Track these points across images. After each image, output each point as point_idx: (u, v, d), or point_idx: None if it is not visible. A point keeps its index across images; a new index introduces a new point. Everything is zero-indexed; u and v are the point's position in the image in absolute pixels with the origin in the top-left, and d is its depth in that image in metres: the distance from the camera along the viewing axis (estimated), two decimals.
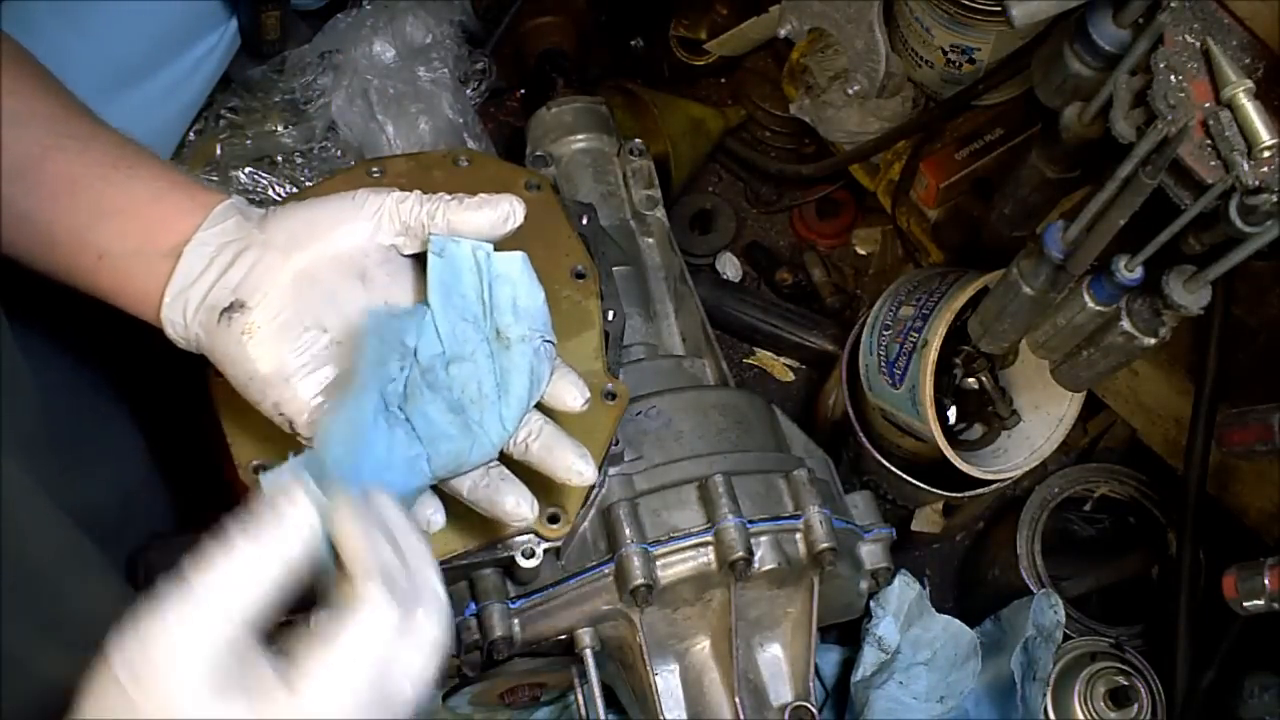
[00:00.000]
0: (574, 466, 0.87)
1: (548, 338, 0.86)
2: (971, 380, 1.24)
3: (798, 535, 1.04)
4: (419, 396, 0.80)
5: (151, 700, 0.57)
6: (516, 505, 0.85)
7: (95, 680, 0.58)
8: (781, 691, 1.07)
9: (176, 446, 1.05)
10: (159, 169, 0.86)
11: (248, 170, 1.37)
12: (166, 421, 1.05)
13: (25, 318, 0.82)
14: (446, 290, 0.83)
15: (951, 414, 1.29)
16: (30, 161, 0.82)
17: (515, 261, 0.87)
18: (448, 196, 0.85)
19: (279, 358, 0.81)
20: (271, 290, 0.81)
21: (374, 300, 0.84)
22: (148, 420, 1.04)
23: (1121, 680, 1.17)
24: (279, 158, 1.38)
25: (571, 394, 0.88)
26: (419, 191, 0.86)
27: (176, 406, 1.01)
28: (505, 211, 0.86)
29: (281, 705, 0.58)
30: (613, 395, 1.01)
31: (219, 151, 1.36)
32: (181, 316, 0.82)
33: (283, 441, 0.83)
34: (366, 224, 0.85)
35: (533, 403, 0.86)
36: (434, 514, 0.84)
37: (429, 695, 0.66)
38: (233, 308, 0.81)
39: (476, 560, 0.97)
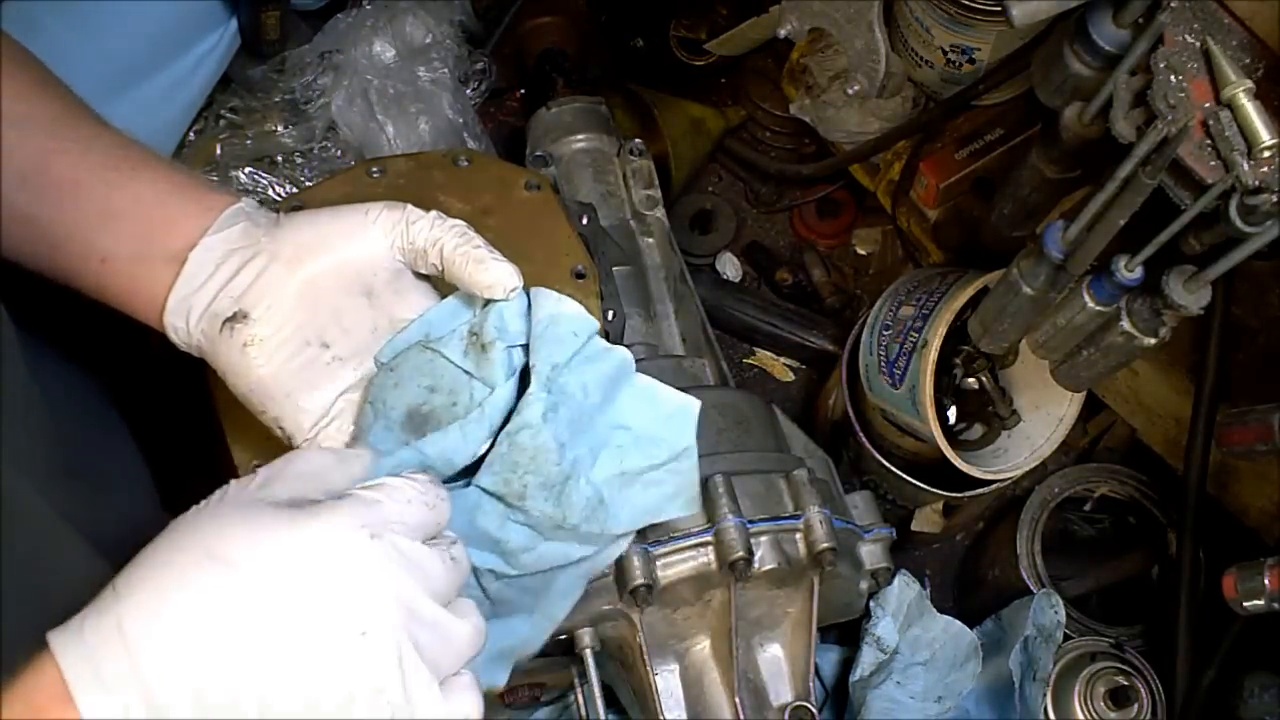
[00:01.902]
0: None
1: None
2: (971, 380, 1.24)
3: (798, 535, 1.04)
4: None
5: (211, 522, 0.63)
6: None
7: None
8: (781, 691, 1.07)
9: (179, 458, 1.04)
10: (164, 170, 0.85)
11: (248, 170, 1.37)
12: (170, 435, 1.04)
13: (30, 330, 0.82)
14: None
15: (951, 414, 1.29)
16: (32, 165, 0.81)
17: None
18: (461, 230, 0.84)
19: (280, 372, 0.80)
20: (275, 302, 0.81)
21: (378, 317, 0.84)
22: (151, 437, 1.03)
23: (1121, 680, 1.17)
24: (279, 158, 1.38)
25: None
26: (436, 213, 0.85)
27: (179, 416, 1.01)
28: (504, 285, 0.83)
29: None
30: None
31: (219, 151, 1.36)
32: (184, 323, 0.81)
33: (284, 445, 0.83)
34: (378, 240, 0.84)
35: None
36: None
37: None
38: (235, 318, 0.80)
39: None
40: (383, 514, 0.64)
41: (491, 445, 0.81)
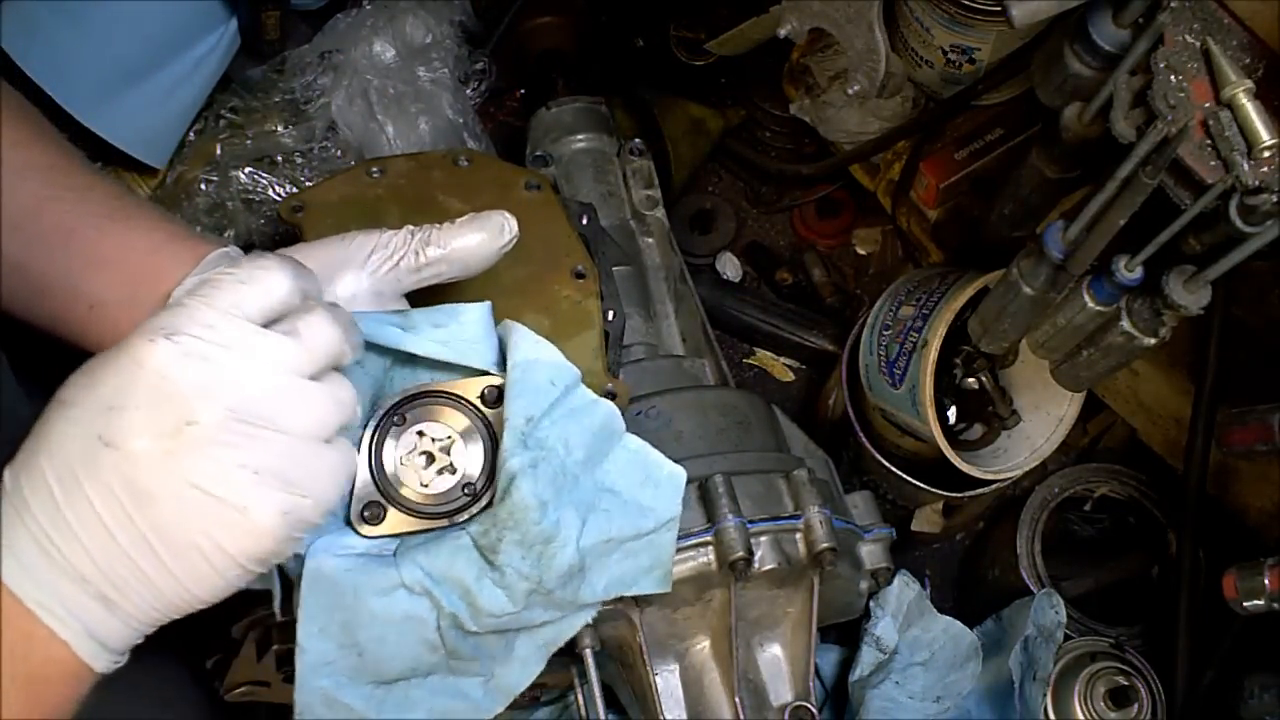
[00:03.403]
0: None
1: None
2: (971, 380, 1.24)
3: (798, 535, 1.04)
4: None
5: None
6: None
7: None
8: (781, 691, 1.07)
9: None
10: (156, 220, 0.86)
11: (248, 170, 1.36)
12: None
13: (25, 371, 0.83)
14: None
15: (951, 414, 1.29)
16: (26, 213, 0.82)
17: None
18: (436, 225, 0.85)
19: None
20: None
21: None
22: None
23: (1121, 680, 1.16)
24: (279, 158, 1.38)
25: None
26: (409, 226, 0.86)
27: None
28: (498, 225, 0.85)
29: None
30: (613, 395, 1.01)
31: (219, 151, 1.36)
32: None
33: None
34: (357, 272, 0.85)
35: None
36: None
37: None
38: None
39: None
40: (185, 317, 0.65)
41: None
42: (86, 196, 0.85)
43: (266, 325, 0.67)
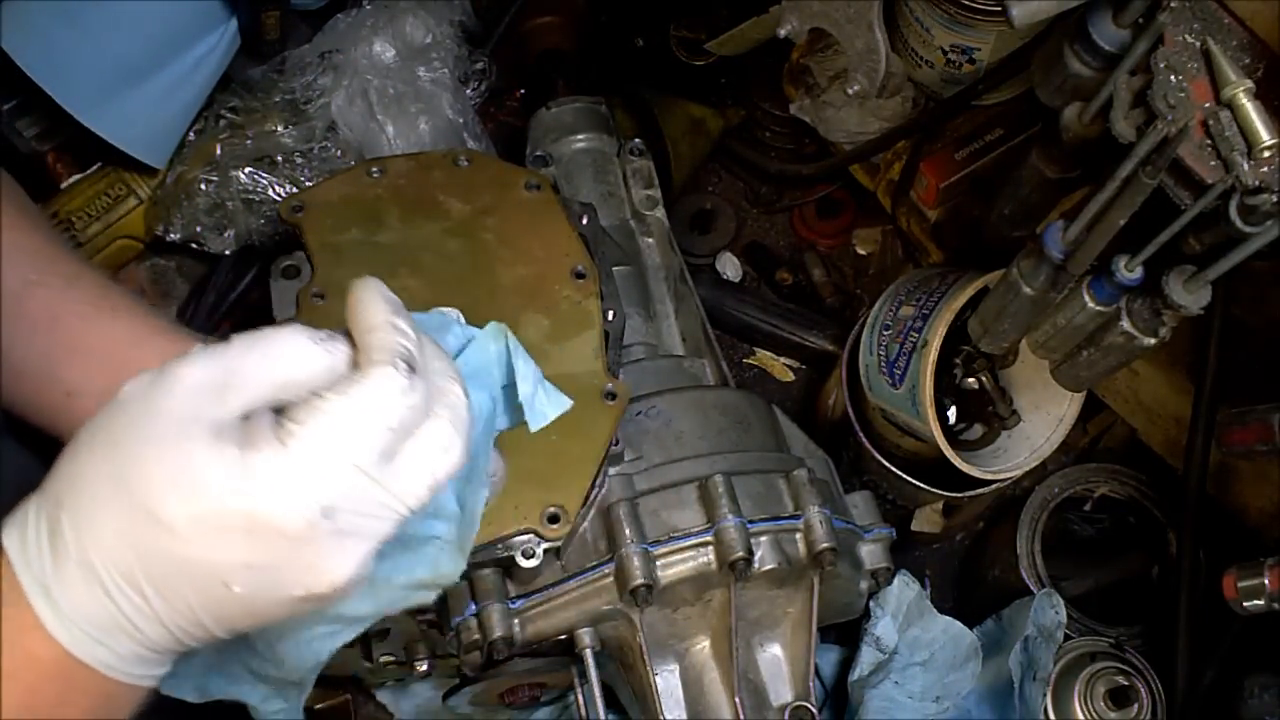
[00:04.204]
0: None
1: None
2: (971, 380, 1.24)
3: (798, 535, 1.04)
4: None
5: (149, 425, 0.58)
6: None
7: (108, 405, 0.59)
8: (781, 691, 1.07)
9: None
10: (140, 314, 0.86)
11: (248, 170, 1.36)
12: None
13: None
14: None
15: (951, 414, 1.29)
16: (11, 295, 0.82)
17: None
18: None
19: None
20: None
21: None
22: None
23: (1121, 680, 1.16)
24: (279, 158, 1.38)
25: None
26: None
27: None
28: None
29: (269, 455, 0.57)
30: (613, 395, 1.02)
31: (219, 151, 1.36)
32: None
33: None
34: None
35: None
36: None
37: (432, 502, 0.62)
38: None
39: (476, 559, 0.97)
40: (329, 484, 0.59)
41: None
42: (73, 284, 0.85)
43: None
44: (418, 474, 0.60)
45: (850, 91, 1.30)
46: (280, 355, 0.60)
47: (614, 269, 1.15)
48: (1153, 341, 0.90)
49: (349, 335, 0.62)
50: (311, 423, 0.58)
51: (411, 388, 0.60)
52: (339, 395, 0.59)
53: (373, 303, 0.62)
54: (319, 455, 0.58)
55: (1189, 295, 0.86)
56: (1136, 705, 1.16)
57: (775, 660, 1.08)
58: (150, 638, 0.60)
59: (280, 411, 0.59)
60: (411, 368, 0.60)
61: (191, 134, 1.36)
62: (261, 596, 0.59)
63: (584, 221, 1.12)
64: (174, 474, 0.57)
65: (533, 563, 0.97)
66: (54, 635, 0.58)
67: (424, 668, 1.08)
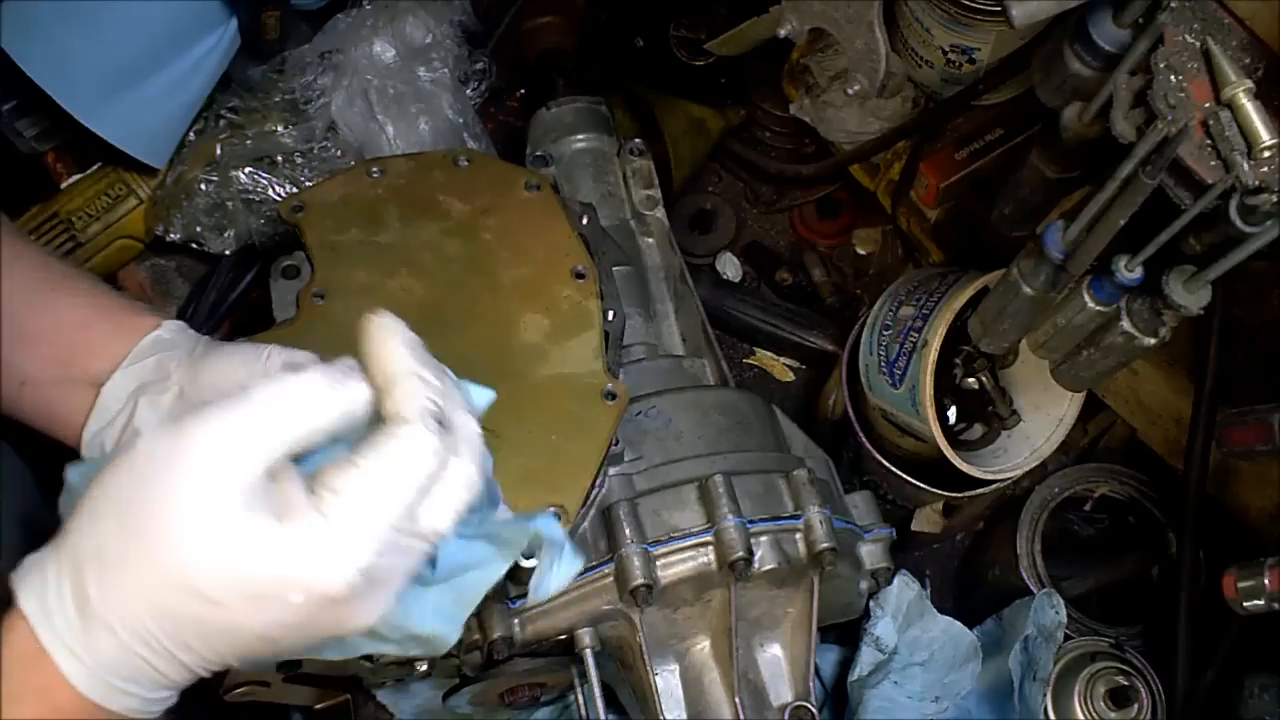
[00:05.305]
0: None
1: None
2: (971, 380, 1.24)
3: (798, 535, 1.04)
4: None
5: (173, 490, 0.57)
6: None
7: (114, 462, 0.59)
8: (781, 691, 1.07)
9: None
10: (84, 290, 0.86)
11: (248, 170, 1.36)
12: None
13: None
14: None
15: (951, 414, 1.29)
16: None
17: None
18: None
19: None
20: None
21: None
22: None
23: (1121, 680, 1.16)
24: (279, 158, 1.38)
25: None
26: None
27: None
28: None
29: (309, 525, 0.57)
30: (613, 395, 1.02)
31: (219, 151, 1.35)
32: (100, 454, 0.82)
33: None
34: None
35: None
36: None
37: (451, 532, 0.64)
38: None
39: None
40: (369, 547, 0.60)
41: None
42: (13, 267, 0.83)
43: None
44: (444, 513, 0.62)
45: (850, 91, 1.30)
46: (298, 405, 0.60)
47: (614, 269, 1.15)
48: (1153, 341, 0.90)
49: (359, 363, 0.63)
50: (348, 491, 0.59)
51: (442, 444, 0.61)
52: (373, 459, 0.59)
53: (395, 350, 0.62)
54: (358, 522, 0.59)
55: (1189, 295, 0.86)
56: (1136, 705, 1.16)
57: (775, 660, 1.08)
58: (176, 680, 0.61)
59: (299, 459, 0.60)
60: (440, 423, 0.61)
61: (191, 134, 1.36)
62: (292, 642, 0.61)
63: (584, 221, 1.12)
64: (209, 547, 0.57)
65: (533, 563, 0.96)
66: (81, 690, 0.59)
67: (424, 668, 1.08)
